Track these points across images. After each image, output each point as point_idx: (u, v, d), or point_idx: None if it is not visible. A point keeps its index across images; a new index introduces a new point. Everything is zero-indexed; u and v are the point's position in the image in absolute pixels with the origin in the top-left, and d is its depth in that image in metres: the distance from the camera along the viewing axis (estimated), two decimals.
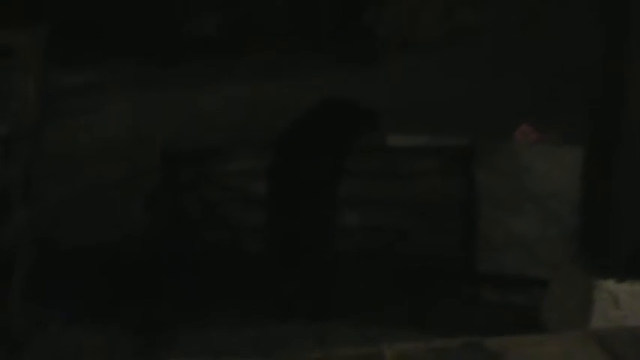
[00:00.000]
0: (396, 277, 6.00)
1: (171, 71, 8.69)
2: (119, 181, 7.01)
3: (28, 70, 5.08)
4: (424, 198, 6.16)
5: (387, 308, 5.81)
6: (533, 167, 6.12)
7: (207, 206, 6.16)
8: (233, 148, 6.32)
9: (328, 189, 5.81)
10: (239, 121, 7.69)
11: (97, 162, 7.34)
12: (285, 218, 5.98)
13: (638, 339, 4.63)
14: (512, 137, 6.65)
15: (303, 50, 8.94)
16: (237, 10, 9.42)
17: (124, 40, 8.80)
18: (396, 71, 8.57)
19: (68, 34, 7.51)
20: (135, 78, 8.55)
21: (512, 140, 6.55)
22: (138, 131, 7.71)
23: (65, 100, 7.72)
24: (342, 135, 5.83)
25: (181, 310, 5.72)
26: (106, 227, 6.45)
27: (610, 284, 5.05)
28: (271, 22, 9.33)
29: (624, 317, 5.02)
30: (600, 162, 5.35)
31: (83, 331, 5.53)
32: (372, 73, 8.45)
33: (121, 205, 6.69)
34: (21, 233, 5.07)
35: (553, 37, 8.51)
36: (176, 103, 8.21)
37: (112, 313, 5.71)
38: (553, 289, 5.66)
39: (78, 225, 6.48)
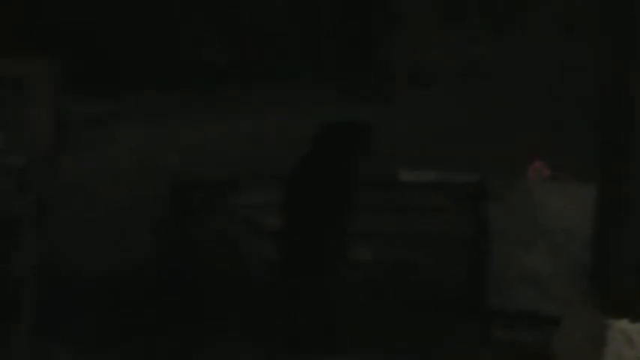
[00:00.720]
0: (405, 312, 5.98)
1: (182, 102, 8.72)
2: (129, 211, 7.01)
3: (42, 101, 5.11)
4: (435, 233, 6.14)
5: (395, 343, 5.79)
6: (545, 203, 6.12)
7: (216, 237, 6.16)
8: (242, 181, 6.33)
9: (338, 222, 5.80)
10: (246, 154, 7.70)
11: (108, 191, 7.35)
12: (295, 250, 5.97)
13: None
14: (524, 173, 6.65)
15: (312, 83, 8.96)
16: (247, 41, 9.45)
17: (137, 71, 8.85)
18: (407, 106, 8.58)
19: (81, 65, 7.56)
20: (146, 109, 8.58)
21: (525, 177, 6.55)
22: (148, 161, 7.73)
23: (79, 130, 7.74)
24: (344, 157, 5.83)
25: (189, 339, 5.71)
26: (115, 256, 6.44)
27: (623, 324, 5.02)
28: (281, 53, 9.37)
29: (638, 358, 4.99)
30: (613, 198, 5.35)
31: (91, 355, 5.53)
32: (382, 107, 8.47)
33: (131, 234, 6.68)
34: (31, 263, 5.07)
35: (565, 72, 8.53)
36: (185, 136, 8.23)
37: (120, 344, 5.71)
38: (565, 327, 5.63)
39: (88, 254, 6.47)
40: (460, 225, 6.14)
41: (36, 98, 5.08)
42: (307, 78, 8.92)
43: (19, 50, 5.14)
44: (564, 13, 9.03)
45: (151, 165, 7.67)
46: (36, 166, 5.11)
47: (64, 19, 8.85)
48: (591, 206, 5.45)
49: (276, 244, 5.89)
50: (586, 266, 5.92)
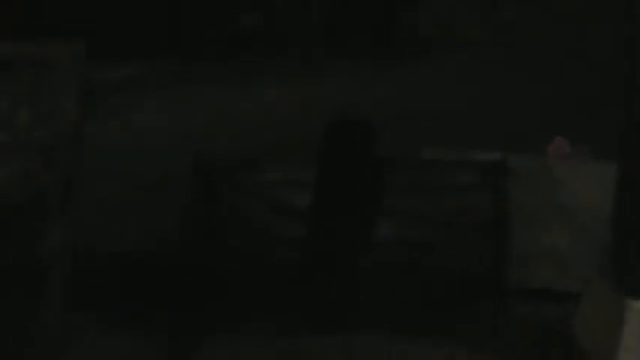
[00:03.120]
0: (426, 290, 6.02)
1: (209, 67, 8.58)
2: (153, 185, 7.01)
3: (68, 80, 5.15)
4: (456, 212, 6.17)
5: (416, 321, 5.85)
6: (565, 182, 6.14)
7: (240, 216, 6.20)
8: (267, 158, 6.36)
9: (367, 201, 5.81)
10: (272, 124, 7.65)
11: (133, 164, 7.31)
12: (322, 230, 6.00)
13: None
14: (545, 150, 6.66)
15: (339, 49, 8.83)
16: (277, 6, 9.28)
17: (163, 37, 8.73)
18: (434, 72, 8.48)
19: (108, 29, 7.46)
20: (172, 75, 8.47)
21: (545, 154, 6.57)
22: (173, 131, 7.68)
23: (103, 98, 7.66)
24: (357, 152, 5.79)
25: (213, 320, 5.77)
26: (140, 233, 6.48)
27: None
28: (310, 19, 9.22)
29: None
30: (634, 177, 5.36)
31: (117, 340, 5.59)
32: (409, 73, 8.36)
33: (155, 210, 6.71)
34: (58, 243, 5.13)
35: (590, 45, 8.42)
36: (211, 104, 8.14)
37: (145, 322, 5.77)
38: (584, 305, 5.67)
39: (112, 231, 6.52)
40: (481, 203, 6.16)
41: (62, 78, 5.12)
42: (333, 43, 8.79)
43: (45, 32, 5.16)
44: None
45: (174, 136, 7.61)
46: (61, 145, 5.16)
47: None
48: (612, 185, 5.47)
49: (302, 222, 5.92)
50: (606, 245, 5.95)
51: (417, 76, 8.40)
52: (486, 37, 9.02)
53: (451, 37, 9.12)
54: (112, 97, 7.99)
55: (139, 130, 7.85)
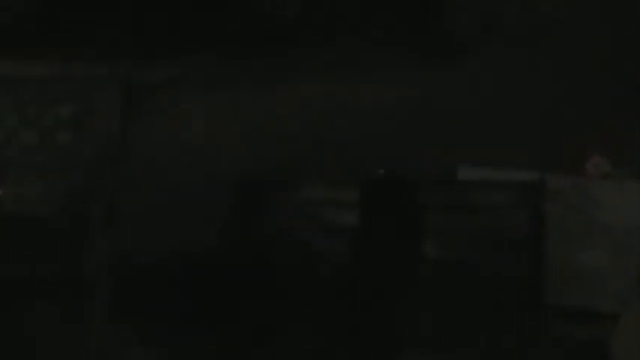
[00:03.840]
0: (465, 308, 6.03)
1: (247, 66, 8.38)
2: (192, 194, 6.96)
3: (111, 100, 5.22)
4: (493, 231, 6.19)
5: (455, 339, 5.86)
6: (603, 201, 6.13)
7: (281, 232, 6.24)
8: (307, 175, 6.38)
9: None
10: (313, 127, 7.52)
11: (170, 171, 7.24)
12: (368, 247, 6.01)
13: None
14: (583, 169, 6.65)
15: (379, 45, 8.63)
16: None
17: (200, 34, 8.53)
18: (475, 70, 8.26)
19: (145, 27, 7.32)
20: (210, 75, 8.29)
21: (583, 173, 6.55)
22: (211, 136, 7.57)
23: (141, 100, 7.49)
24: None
25: (254, 335, 5.80)
26: (179, 243, 6.46)
27: None
28: (347, 13, 9.01)
29: None
30: None
31: (162, 353, 5.64)
32: (451, 72, 8.17)
33: (197, 221, 6.67)
34: (103, 258, 5.19)
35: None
36: (249, 106, 7.97)
37: (189, 333, 5.81)
38: (621, 325, 5.67)
39: (154, 242, 6.50)
40: (519, 223, 6.18)
41: (105, 96, 5.19)
42: (372, 39, 8.55)
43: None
44: None
45: (212, 139, 7.48)
46: (105, 161, 5.22)
47: None
48: None
49: (346, 240, 5.94)
50: None
51: (460, 72, 8.15)
52: (523, 37, 8.76)
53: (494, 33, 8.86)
54: (148, 100, 7.81)
55: (179, 136, 7.74)
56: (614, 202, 6.12)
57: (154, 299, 5.98)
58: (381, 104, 7.17)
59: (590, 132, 7.18)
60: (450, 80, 8.02)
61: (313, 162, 6.74)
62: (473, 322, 5.98)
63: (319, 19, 8.75)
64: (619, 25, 8.26)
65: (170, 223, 6.57)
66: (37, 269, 5.17)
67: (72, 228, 5.10)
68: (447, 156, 6.72)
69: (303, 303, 5.91)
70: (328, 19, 8.81)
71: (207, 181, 6.86)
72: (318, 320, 5.55)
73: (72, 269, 5.11)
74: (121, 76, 5.22)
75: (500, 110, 7.72)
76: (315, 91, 7.99)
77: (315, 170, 6.53)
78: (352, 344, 5.18)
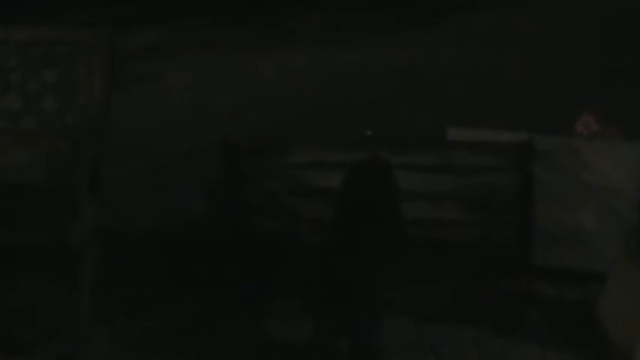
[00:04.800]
0: (451, 270, 6.06)
1: (233, 32, 8.30)
2: (179, 160, 6.95)
3: (95, 66, 5.20)
4: (482, 192, 6.20)
5: (440, 300, 5.89)
6: (592, 163, 6.13)
7: (267, 196, 6.25)
8: (293, 141, 6.39)
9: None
10: (299, 91, 7.48)
11: (157, 138, 7.22)
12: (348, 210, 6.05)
13: None
14: (573, 129, 6.63)
15: (365, 10, 8.52)
16: None
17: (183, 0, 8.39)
18: (461, 33, 8.19)
19: None
20: (195, 40, 8.20)
21: (573, 133, 6.54)
22: (196, 102, 7.53)
23: (126, 66, 7.41)
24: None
25: (239, 297, 5.84)
26: (165, 210, 6.48)
27: None
28: None
29: None
30: None
31: (145, 322, 5.67)
32: (439, 34, 8.11)
33: (181, 187, 6.68)
34: (88, 230, 5.19)
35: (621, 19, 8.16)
36: (236, 71, 7.92)
37: (172, 300, 5.85)
38: (608, 285, 5.68)
39: (138, 208, 6.51)
40: (507, 184, 6.19)
41: (89, 64, 5.18)
42: (357, 3, 8.43)
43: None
44: None
45: (198, 106, 7.44)
46: (89, 128, 5.20)
47: None
48: None
49: (328, 204, 5.95)
50: (632, 226, 5.96)
51: (445, 35, 8.10)
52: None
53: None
54: (134, 66, 7.72)
55: (165, 103, 7.70)
56: (602, 163, 6.11)
57: (139, 266, 6.02)
58: (369, 67, 7.17)
59: (580, 93, 7.20)
60: (438, 42, 8.01)
61: (300, 126, 6.75)
62: (460, 283, 6.01)
63: None
64: None
65: (155, 190, 6.61)
66: (22, 235, 5.19)
67: (57, 195, 5.10)
68: (436, 117, 6.74)
69: (289, 267, 5.95)
70: None
71: (192, 146, 6.87)
72: (304, 283, 5.58)
73: (57, 235, 5.12)
74: (105, 42, 5.19)
75: (489, 72, 7.74)
76: (301, 55, 7.98)
77: (302, 134, 6.54)
78: (337, 308, 5.19)
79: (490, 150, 6.22)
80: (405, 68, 7.54)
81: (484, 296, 5.95)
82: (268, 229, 6.19)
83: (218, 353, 5.41)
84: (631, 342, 5.30)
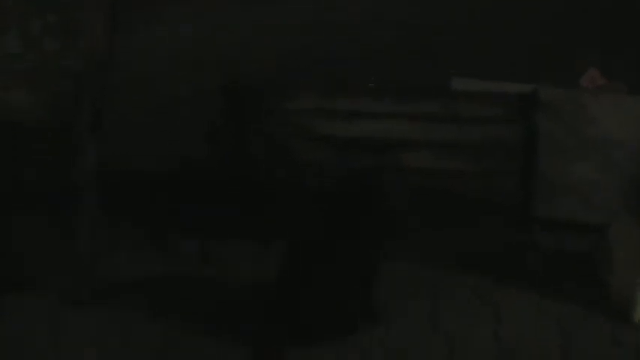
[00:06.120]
0: (452, 220, 6.07)
1: None
2: (181, 102, 6.93)
3: (97, 9, 5.20)
4: (485, 142, 6.20)
5: (440, 251, 5.91)
6: (596, 115, 6.11)
7: (269, 141, 6.26)
8: (296, 86, 6.38)
9: None
10: (304, 38, 7.42)
11: (158, 82, 7.19)
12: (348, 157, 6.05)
13: None
14: (578, 82, 6.63)
15: None
16: None
17: None
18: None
19: None
20: None
21: (578, 86, 6.53)
22: (200, 46, 7.47)
23: (129, 9, 7.36)
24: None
25: (238, 241, 5.87)
26: (167, 152, 6.48)
27: None
28: None
29: None
30: None
31: (146, 259, 5.73)
32: None
33: (183, 129, 6.67)
34: (89, 168, 5.22)
35: None
36: (240, 17, 7.86)
37: (169, 242, 5.90)
38: (609, 238, 5.70)
39: (140, 150, 6.51)
40: (511, 135, 6.18)
41: (91, 5, 5.18)
42: None
43: None
44: None
45: (201, 50, 7.39)
46: (91, 68, 5.21)
47: None
48: None
49: (331, 151, 5.97)
50: (633, 179, 5.96)
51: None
52: None
53: None
54: (139, 11, 7.68)
55: (166, 47, 7.66)
56: (606, 116, 6.10)
57: (141, 206, 6.05)
58: (374, 16, 7.12)
59: (586, 45, 7.15)
60: None
61: (304, 73, 6.72)
62: (462, 232, 6.03)
63: None
64: None
65: (157, 133, 6.61)
66: (25, 175, 5.23)
67: (58, 135, 5.13)
68: (441, 67, 6.71)
69: (292, 211, 5.96)
70: None
71: (194, 90, 6.86)
72: (307, 227, 5.59)
73: (58, 175, 5.15)
74: None
75: (495, 21, 7.67)
76: (307, 2, 7.91)
77: (305, 81, 6.53)
78: (339, 253, 5.22)
79: (494, 101, 6.21)
80: (410, 17, 7.48)
81: (485, 246, 5.97)
82: (270, 174, 6.21)
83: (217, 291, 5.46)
84: (630, 295, 5.35)
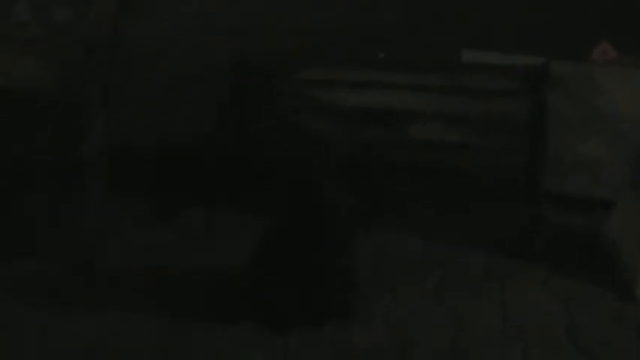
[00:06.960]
0: (459, 193, 6.07)
1: None
2: (190, 79, 6.94)
3: None
4: (494, 116, 6.17)
5: (448, 223, 5.91)
6: (606, 89, 6.08)
7: (278, 114, 6.25)
8: (304, 58, 6.36)
9: None
10: (314, 10, 7.41)
11: (168, 56, 7.19)
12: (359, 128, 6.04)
13: None
14: (589, 55, 6.58)
15: None
16: None
17: None
18: None
19: None
20: None
21: (588, 60, 6.49)
22: (208, 20, 7.47)
23: None
24: None
25: (247, 213, 5.89)
26: (176, 128, 6.49)
27: None
28: None
29: None
30: None
31: (152, 230, 5.74)
32: None
33: (192, 104, 6.68)
34: (98, 143, 5.23)
35: None
36: None
37: (177, 216, 5.91)
38: (615, 213, 5.70)
39: (148, 125, 6.53)
40: (520, 108, 6.16)
41: None
42: None
43: None
44: None
45: (211, 25, 7.40)
46: (101, 40, 5.21)
47: None
48: None
49: (339, 123, 5.95)
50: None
51: None
52: None
53: None
54: None
55: (176, 21, 7.65)
56: (616, 91, 6.07)
57: (149, 181, 6.06)
58: None
59: (598, 18, 7.10)
60: None
61: (314, 47, 6.69)
62: (469, 207, 6.03)
63: None
64: None
65: (166, 107, 6.61)
66: (33, 147, 5.24)
67: (68, 107, 5.13)
68: (451, 39, 6.67)
69: (302, 183, 5.96)
70: None
71: (204, 64, 6.84)
72: (317, 199, 5.59)
73: (67, 148, 5.16)
74: None
75: None
76: None
77: (315, 54, 6.51)
78: (348, 226, 5.22)
79: (504, 74, 6.18)
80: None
81: (492, 220, 5.97)
82: (278, 146, 6.21)
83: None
84: (635, 273, 5.35)
